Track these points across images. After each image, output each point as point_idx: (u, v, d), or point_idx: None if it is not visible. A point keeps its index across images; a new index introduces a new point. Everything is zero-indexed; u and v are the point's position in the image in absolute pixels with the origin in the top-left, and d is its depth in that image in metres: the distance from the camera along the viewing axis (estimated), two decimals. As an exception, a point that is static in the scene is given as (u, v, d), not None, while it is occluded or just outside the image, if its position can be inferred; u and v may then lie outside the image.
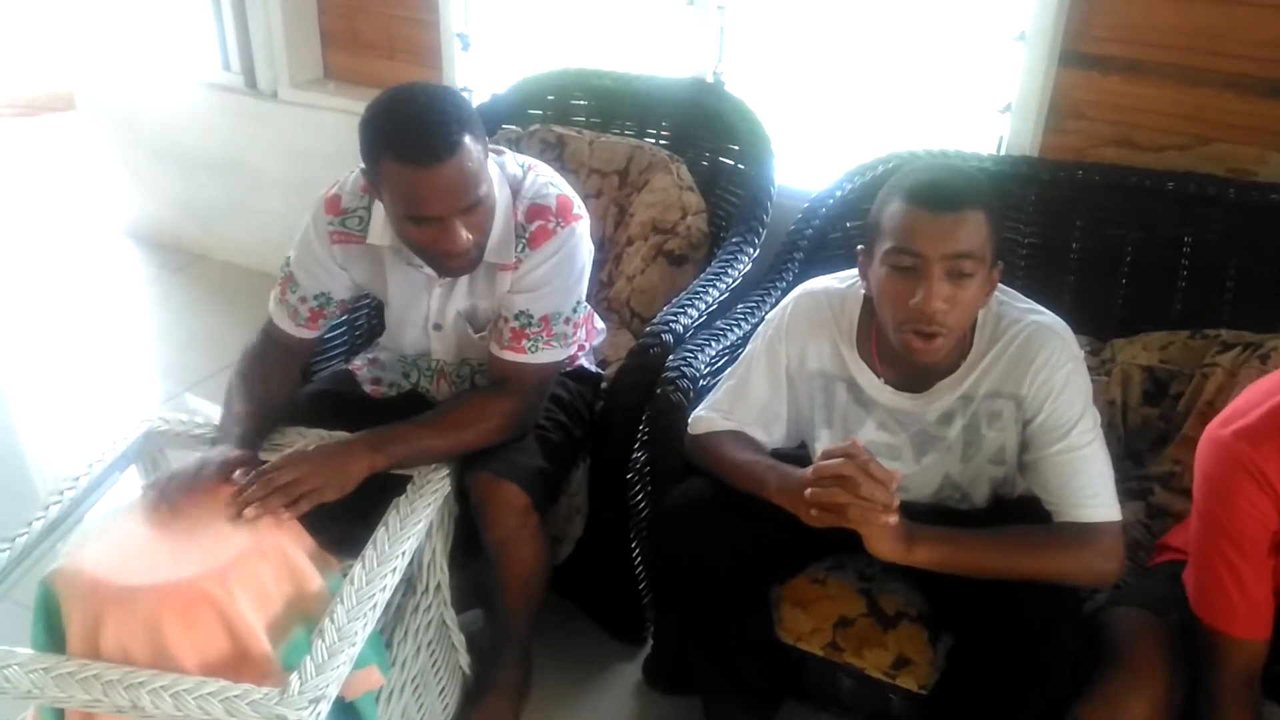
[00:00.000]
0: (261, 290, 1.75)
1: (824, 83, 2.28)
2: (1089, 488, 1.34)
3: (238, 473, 1.41)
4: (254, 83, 2.98)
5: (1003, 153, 2.03)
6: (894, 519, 1.26)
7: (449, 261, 1.48)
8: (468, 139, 1.38)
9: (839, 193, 1.94)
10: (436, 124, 1.36)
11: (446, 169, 1.36)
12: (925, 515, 1.37)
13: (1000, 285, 1.39)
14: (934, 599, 1.45)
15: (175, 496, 1.37)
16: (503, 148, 1.64)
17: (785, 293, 1.75)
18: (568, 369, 1.73)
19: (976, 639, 1.33)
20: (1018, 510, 1.43)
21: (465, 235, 1.42)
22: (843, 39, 2.22)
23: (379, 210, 1.53)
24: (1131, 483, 1.66)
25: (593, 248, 1.62)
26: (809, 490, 1.28)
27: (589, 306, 1.75)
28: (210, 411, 2.30)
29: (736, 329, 1.73)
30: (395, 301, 1.66)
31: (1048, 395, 1.35)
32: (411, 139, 1.36)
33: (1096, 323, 1.79)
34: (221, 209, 3.28)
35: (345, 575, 1.33)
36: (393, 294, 1.65)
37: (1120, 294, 1.82)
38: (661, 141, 2.16)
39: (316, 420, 1.59)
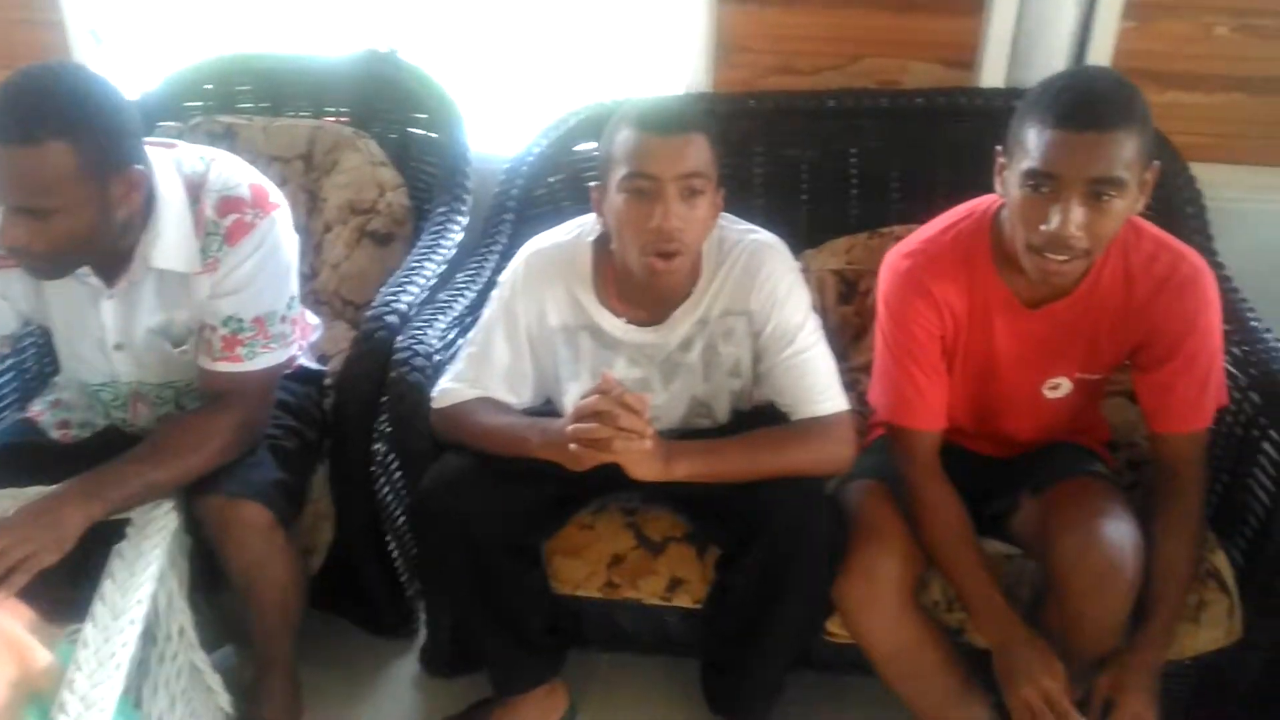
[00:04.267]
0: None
1: (505, 44, 2.26)
2: (818, 386, 1.45)
3: None
4: None
5: (682, 92, 2.11)
6: (649, 443, 1.30)
7: (17, 261, 1.35)
8: (55, 143, 1.22)
9: (537, 149, 1.94)
10: (18, 116, 1.22)
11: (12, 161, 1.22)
12: (677, 438, 1.43)
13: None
14: (696, 517, 1.52)
15: None
16: (176, 141, 1.50)
17: (503, 255, 1.76)
18: (287, 371, 1.63)
19: (739, 544, 1.41)
20: (756, 420, 1.52)
21: (15, 234, 1.28)
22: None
23: None
24: (842, 378, 1.80)
25: (297, 237, 1.52)
26: (570, 428, 1.30)
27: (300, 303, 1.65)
28: None
29: (461, 299, 1.70)
30: (60, 323, 1.49)
31: (773, 306, 1.45)
32: None
33: (788, 238, 1.85)
34: None
35: (75, 641, 1.18)
36: (56, 315, 1.48)
37: (804, 209, 1.96)
38: (343, 119, 2.06)
39: (2, 482, 1.39)
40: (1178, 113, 1.93)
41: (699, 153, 1.34)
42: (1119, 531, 1.33)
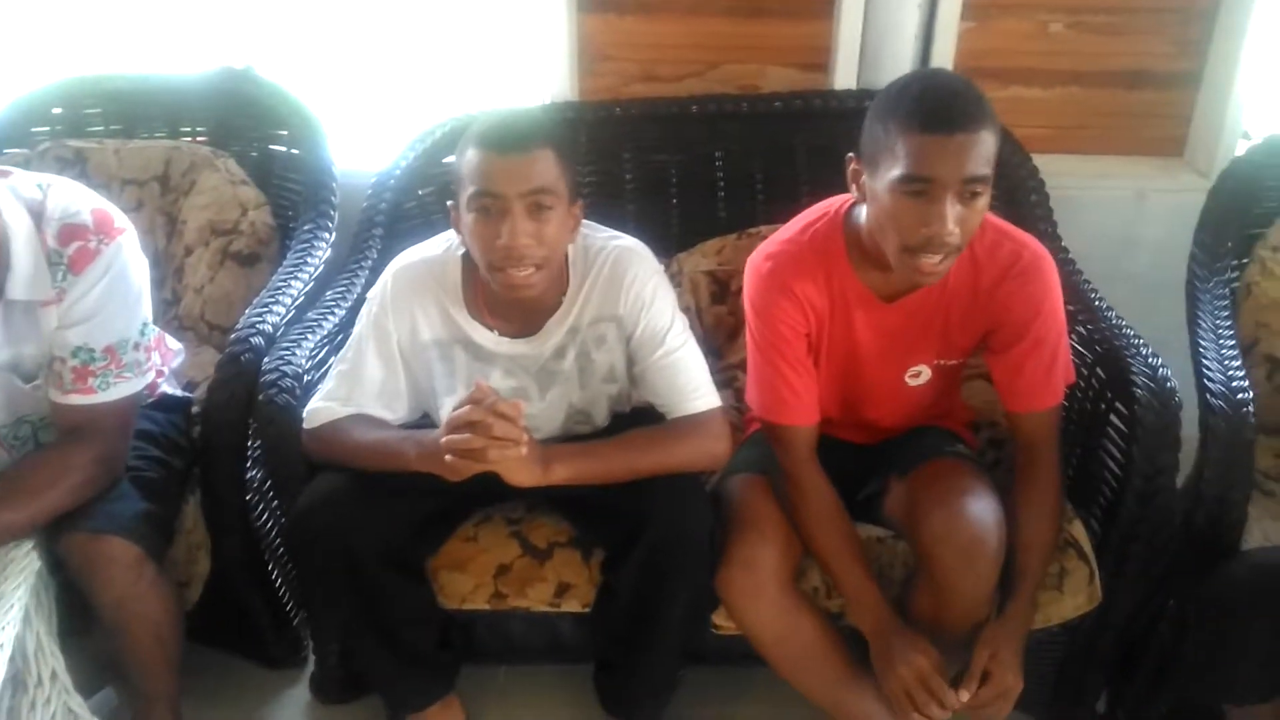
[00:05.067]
0: None
1: (368, 58, 2.23)
2: (690, 385, 1.48)
3: None
4: None
5: (549, 101, 2.13)
6: (525, 449, 1.30)
7: None
8: None
9: (404, 162, 1.93)
10: None
11: None
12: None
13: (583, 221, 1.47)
14: (580, 521, 1.53)
15: None
16: (11, 169, 1.43)
17: (373, 271, 1.73)
18: (150, 400, 1.57)
19: (622, 544, 1.41)
20: (636, 421, 1.53)
21: None
22: (379, 13, 2.18)
23: None
24: (718, 375, 1.84)
25: (146, 261, 1.47)
26: (444, 439, 1.29)
27: (157, 329, 1.59)
28: None
29: (331, 317, 1.67)
30: None
31: (641, 310, 1.46)
32: None
33: (659, 241, 1.92)
34: None
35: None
36: None
37: (674, 212, 2.00)
38: (200, 139, 2.00)
39: None
40: (1019, 107, 2.04)
41: (545, 169, 1.34)
42: (981, 507, 1.39)
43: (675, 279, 1.93)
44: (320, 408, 1.46)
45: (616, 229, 1.57)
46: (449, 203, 1.42)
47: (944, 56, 1.99)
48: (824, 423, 1.54)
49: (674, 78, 2.11)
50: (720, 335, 1.92)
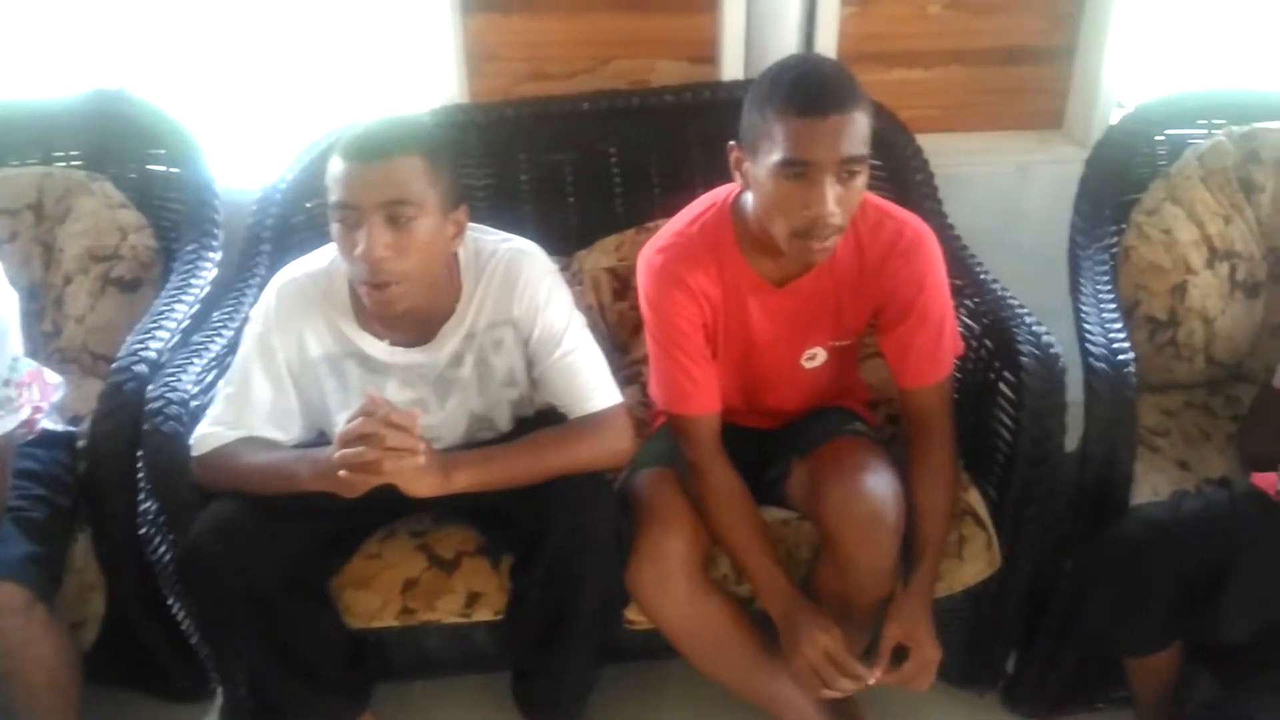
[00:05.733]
0: None
1: (250, 72, 2.18)
2: (590, 383, 1.47)
3: None
4: None
5: (439, 105, 2.10)
6: (423, 459, 1.28)
7: None
8: None
9: (290, 176, 1.88)
10: None
11: None
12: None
13: (470, 224, 1.45)
14: (486, 528, 1.51)
15: None
16: None
17: (261, 288, 1.68)
18: (30, 437, 1.51)
19: (529, 547, 1.40)
20: (541, 424, 1.51)
21: None
22: (257, 26, 2.13)
23: None
24: (624, 371, 1.85)
25: (14, 294, 1.41)
26: (337, 454, 1.26)
27: (34, 363, 1.53)
28: None
29: (218, 339, 1.62)
30: None
31: (536, 311, 1.45)
32: None
33: (559, 240, 1.94)
34: None
35: None
36: None
37: (572, 210, 1.99)
38: (74, 163, 1.93)
39: None
40: (903, 89, 2.08)
41: (405, 177, 1.30)
42: (879, 482, 1.42)
43: (576, 277, 1.93)
44: (208, 433, 1.42)
45: (514, 230, 1.56)
46: (326, 210, 1.38)
47: (828, 42, 2.01)
48: (727, 411, 1.55)
49: (565, 75, 2.10)
50: (624, 331, 1.92)
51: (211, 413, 1.45)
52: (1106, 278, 1.71)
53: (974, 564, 1.52)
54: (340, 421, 1.44)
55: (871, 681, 1.39)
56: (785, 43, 1.99)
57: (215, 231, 1.85)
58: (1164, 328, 1.74)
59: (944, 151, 1.94)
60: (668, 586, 1.43)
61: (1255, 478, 1.45)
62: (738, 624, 1.48)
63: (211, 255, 1.82)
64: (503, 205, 1.96)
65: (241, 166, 2.04)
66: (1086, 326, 1.59)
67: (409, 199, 1.30)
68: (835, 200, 1.29)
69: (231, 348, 1.58)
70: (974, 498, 1.55)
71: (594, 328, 1.84)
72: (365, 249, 1.29)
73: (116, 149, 1.93)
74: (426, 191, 1.32)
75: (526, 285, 1.45)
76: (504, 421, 1.55)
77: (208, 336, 1.63)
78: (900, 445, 1.59)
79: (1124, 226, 1.79)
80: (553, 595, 1.40)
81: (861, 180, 1.33)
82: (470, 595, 1.48)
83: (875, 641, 1.44)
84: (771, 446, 1.60)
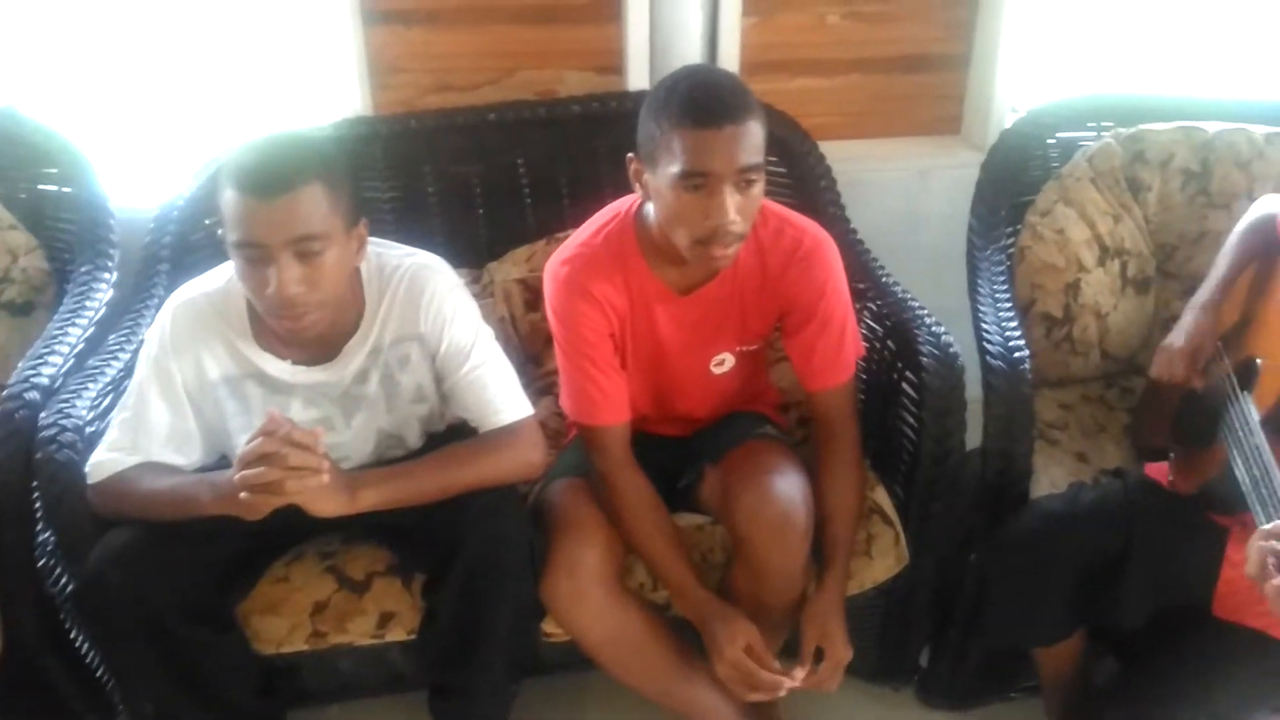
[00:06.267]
0: None
1: (149, 88, 2.12)
2: (500, 396, 1.46)
3: None
4: None
5: (341, 118, 2.07)
6: (326, 477, 1.26)
7: None
8: None
9: (188, 193, 1.84)
10: None
11: None
12: None
13: (372, 239, 1.43)
14: (397, 547, 1.50)
15: None
16: None
17: (160, 309, 1.64)
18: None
19: (441, 564, 1.39)
20: (452, 439, 1.50)
21: None
22: (153, 40, 2.08)
23: None
24: (539, 382, 1.85)
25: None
26: (237, 476, 1.23)
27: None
28: None
29: (115, 362, 1.58)
30: None
31: (443, 325, 1.44)
32: None
33: (469, 253, 1.93)
34: None
35: None
36: None
37: (481, 222, 1.98)
38: (-40, 185, 1.86)
39: None
40: (806, 98, 2.12)
41: (311, 209, 1.26)
42: (788, 485, 1.44)
43: (487, 289, 1.92)
44: (104, 460, 1.38)
45: (423, 244, 1.54)
46: (220, 232, 1.35)
47: (730, 53, 2.04)
48: (639, 419, 1.56)
49: (470, 86, 2.09)
50: (538, 342, 1.91)
51: (107, 438, 1.41)
52: (1003, 278, 1.76)
53: (883, 561, 1.55)
54: (242, 444, 1.42)
55: (797, 683, 1.41)
56: (689, 53, 2.01)
57: (110, 252, 1.80)
58: (1059, 324, 1.80)
59: (847, 158, 1.98)
60: (583, 598, 1.43)
61: (1148, 468, 1.51)
62: (655, 632, 1.49)
63: (106, 276, 1.76)
64: (410, 218, 1.95)
65: (137, 184, 1.99)
66: (984, 326, 1.63)
67: (315, 233, 1.27)
68: (736, 209, 1.31)
69: (129, 371, 1.54)
70: (881, 496, 1.58)
71: (506, 340, 1.85)
72: (277, 288, 1.26)
73: (5, 169, 1.86)
74: (330, 219, 1.29)
75: (432, 299, 1.44)
76: (414, 438, 1.54)
77: (103, 360, 1.58)
78: (810, 448, 1.62)
79: (1019, 227, 1.85)
80: (466, 611, 1.38)
81: (759, 187, 1.35)
82: (383, 616, 1.46)
83: (792, 642, 1.46)
84: (685, 453, 1.61)
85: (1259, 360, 1.40)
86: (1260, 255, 1.53)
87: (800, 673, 1.41)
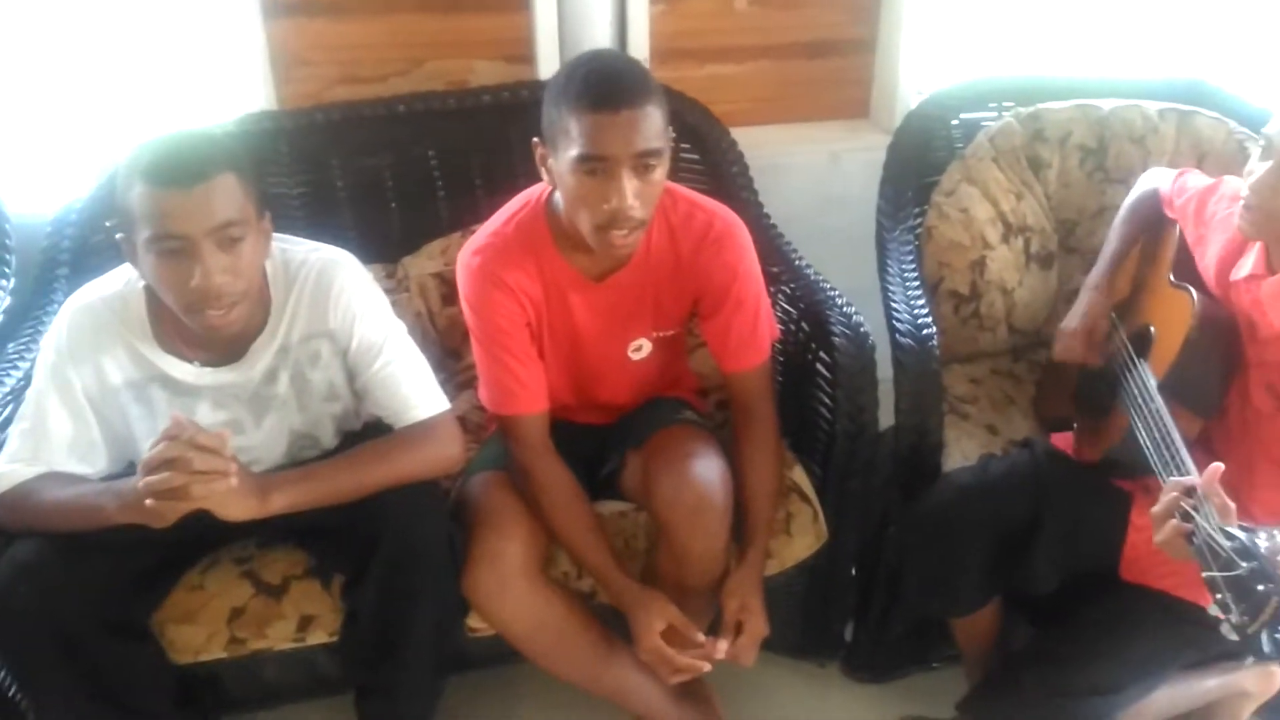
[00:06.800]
0: None
1: (41, 88, 2.04)
2: (415, 392, 1.45)
3: None
4: None
5: (245, 112, 2.02)
6: (235, 480, 1.23)
7: None
8: None
9: (87, 194, 1.78)
10: None
11: None
12: None
13: (276, 234, 1.40)
14: (315, 549, 1.47)
15: None
16: None
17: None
18: None
19: (360, 564, 1.37)
20: (366, 438, 1.48)
21: None
22: (45, 37, 2.00)
23: None
24: (458, 377, 1.84)
25: None
26: (142, 483, 1.20)
27: None
28: None
29: (14, 371, 1.53)
30: None
31: (353, 320, 1.42)
32: None
33: (382, 247, 1.91)
34: None
35: None
36: None
37: (394, 215, 1.95)
38: None
39: None
40: (717, 84, 2.13)
41: (229, 197, 1.25)
42: (706, 468, 1.45)
43: (402, 284, 1.90)
44: (3, 472, 1.34)
45: (335, 239, 1.51)
46: (118, 236, 1.31)
47: (640, 40, 2.04)
48: (560, 408, 1.56)
49: (377, 78, 2.06)
50: (455, 337, 1.90)
51: (7, 450, 1.36)
52: (911, 257, 1.80)
53: (803, 539, 1.58)
54: (147, 449, 1.38)
55: (720, 655, 1.43)
56: (598, 40, 2.01)
57: (6, 258, 1.74)
58: (967, 301, 1.84)
59: (758, 143, 1.99)
60: (505, 590, 1.43)
61: (1054, 438, 1.57)
62: (580, 620, 1.49)
63: (3, 284, 1.71)
64: (320, 213, 1.91)
65: (32, 188, 1.92)
66: (893, 305, 1.67)
67: (235, 219, 1.25)
68: (634, 194, 1.32)
69: (29, 380, 1.49)
70: (799, 475, 1.61)
71: (424, 335, 1.84)
72: (203, 279, 1.23)
73: (-113, 174, 1.79)
74: (246, 206, 1.27)
75: (340, 295, 1.42)
76: (328, 438, 1.51)
77: (2, 370, 1.53)
78: (730, 430, 1.63)
79: (926, 208, 1.89)
80: (387, 610, 1.37)
81: (660, 173, 1.35)
82: (303, 619, 1.44)
83: (715, 622, 1.48)
84: (607, 441, 1.61)
85: (1152, 328, 1.45)
86: (1148, 228, 1.59)
87: (723, 644, 1.43)
